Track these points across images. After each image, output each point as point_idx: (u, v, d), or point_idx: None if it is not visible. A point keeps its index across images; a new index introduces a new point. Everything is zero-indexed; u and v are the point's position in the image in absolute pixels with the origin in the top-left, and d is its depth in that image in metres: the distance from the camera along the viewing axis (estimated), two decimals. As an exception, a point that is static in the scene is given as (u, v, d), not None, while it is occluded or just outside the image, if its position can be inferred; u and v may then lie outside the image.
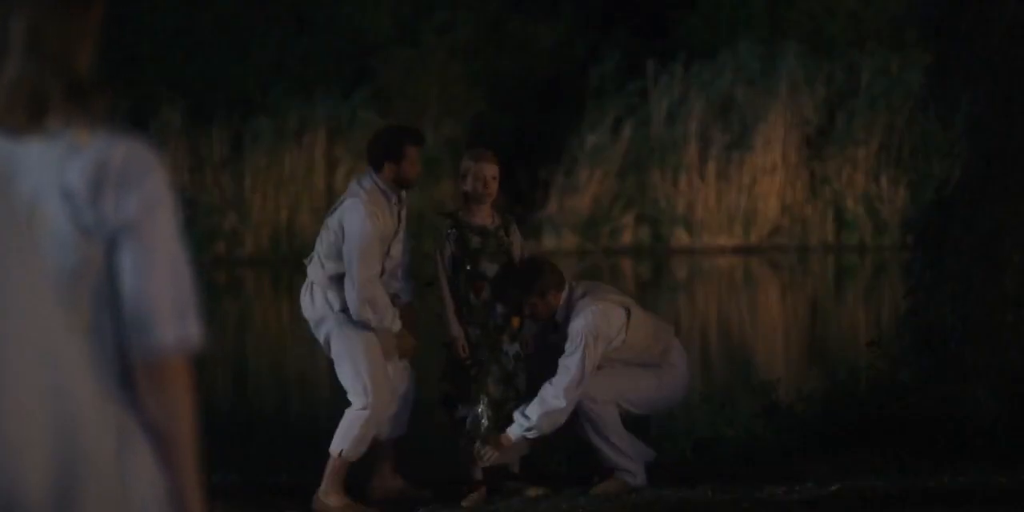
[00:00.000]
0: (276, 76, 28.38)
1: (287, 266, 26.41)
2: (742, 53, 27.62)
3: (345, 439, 6.34)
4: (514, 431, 6.35)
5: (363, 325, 6.27)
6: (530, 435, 6.35)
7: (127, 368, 1.95)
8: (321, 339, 6.41)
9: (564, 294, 6.45)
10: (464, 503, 6.41)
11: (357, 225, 6.16)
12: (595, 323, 6.33)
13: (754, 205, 26.97)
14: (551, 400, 6.29)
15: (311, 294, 6.36)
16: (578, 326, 6.34)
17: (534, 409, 6.30)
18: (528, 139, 28.58)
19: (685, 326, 18.11)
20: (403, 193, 6.41)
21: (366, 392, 6.29)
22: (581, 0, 30.17)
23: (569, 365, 6.30)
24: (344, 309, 6.26)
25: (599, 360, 6.36)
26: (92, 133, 1.95)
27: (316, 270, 6.34)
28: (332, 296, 6.27)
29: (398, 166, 6.30)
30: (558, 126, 28.10)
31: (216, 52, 28.44)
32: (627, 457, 6.49)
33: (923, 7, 7.41)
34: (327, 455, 6.43)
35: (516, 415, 6.34)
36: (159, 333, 1.95)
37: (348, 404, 6.46)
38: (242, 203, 26.95)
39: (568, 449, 7.22)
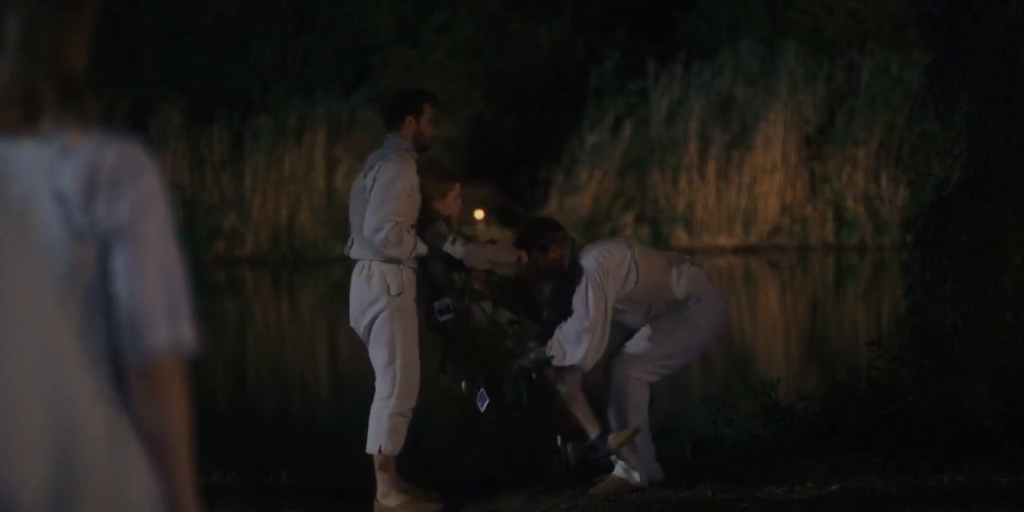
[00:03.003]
0: (276, 76, 28.39)
1: (287, 266, 26.42)
2: (742, 53, 27.62)
3: (379, 434, 6.32)
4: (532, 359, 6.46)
5: (412, 314, 6.32)
6: (545, 360, 6.41)
7: (120, 370, 1.95)
8: (365, 321, 6.35)
9: (567, 250, 6.54)
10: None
11: (389, 175, 6.23)
12: (597, 261, 6.44)
13: (754, 205, 26.99)
14: (566, 330, 6.38)
15: (367, 273, 6.33)
16: (580, 269, 6.46)
17: (552, 343, 6.40)
18: (528, 139, 28.59)
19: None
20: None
21: (394, 381, 6.30)
22: (581, 0, 30.18)
23: (579, 303, 6.41)
24: (400, 293, 6.27)
25: (614, 300, 6.43)
26: (84, 135, 1.94)
27: (366, 249, 6.32)
28: (390, 277, 6.29)
29: (418, 121, 6.38)
30: (558, 126, 28.12)
31: (216, 52, 28.46)
32: (631, 455, 6.49)
33: (923, 6, 7.40)
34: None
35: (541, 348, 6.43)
36: (152, 336, 1.94)
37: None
38: (242, 203, 26.96)
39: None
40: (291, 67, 28.62)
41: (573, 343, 6.39)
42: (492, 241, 6.59)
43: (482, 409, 6.40)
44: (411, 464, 6.59)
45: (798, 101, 27.12)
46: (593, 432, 6.47)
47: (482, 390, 6.39)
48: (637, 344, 6.54)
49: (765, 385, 7.71)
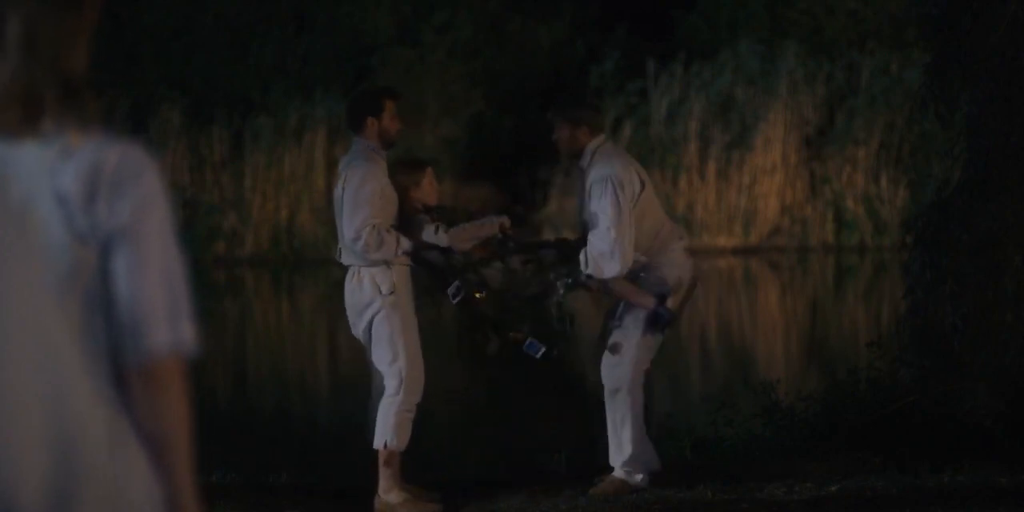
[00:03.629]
0: (276, 76, 28.38)
1: (287, 266, 26.41)
2: (742, 53, 27.62)
3: (386, 430, 6.35)
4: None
5: (409, 311, 6.33)
6: (584, 279, 6.37)
7: (120, 371, 1.95)
8: (363, 324, 6.38)
9: (595, 141, 6.50)
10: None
11: (356, 180, 6.25)
12: (619, 172, 6.40)
13: (754, 205, 26.98)
14: (596, 244, 6.33)
15: (357, 278, 6.38)
16: (603, 172, 6.39)
17: (587, 261, 6.36)
18: (528, 139, 28.57)
19: (685, 327, 18.11)
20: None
21: (401, 377, 6.31)
22: (581, 0, 30.18)
23: (600, 210, 6.34)
24: (392, 292, 6.29)
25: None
26: (86, 135, 1.94)
27: (353, 255, 6.35)
28: (380, 278, 6.31)
29: (379, 121, 6.36)
30: (558, 126, 28.03)
31: (216, 52, 28.44)
32: (630, 458, 6.47)
33: (923, 6, 7.40)
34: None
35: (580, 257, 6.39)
36: (152, 337, 1.94)
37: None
38: (242, 203, 26.95)
39: (568, 449, 7.23)
40: (291, 67, 28.62)
41: (607, 256, 6.33)
42: (469, 217, 6.56)
43: (539, 355, 6.39)
44: (412, 464, 6.59)
45: (798, 101, 27.11)
46: (650, 303, 6.46)
47: (530, 340, 6.39)
48: (619, 346, 6.50)
49: (765, 385, 7.71)
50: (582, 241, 6.53)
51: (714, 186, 27.13)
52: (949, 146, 7.40)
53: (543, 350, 6.38)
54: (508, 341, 6.42)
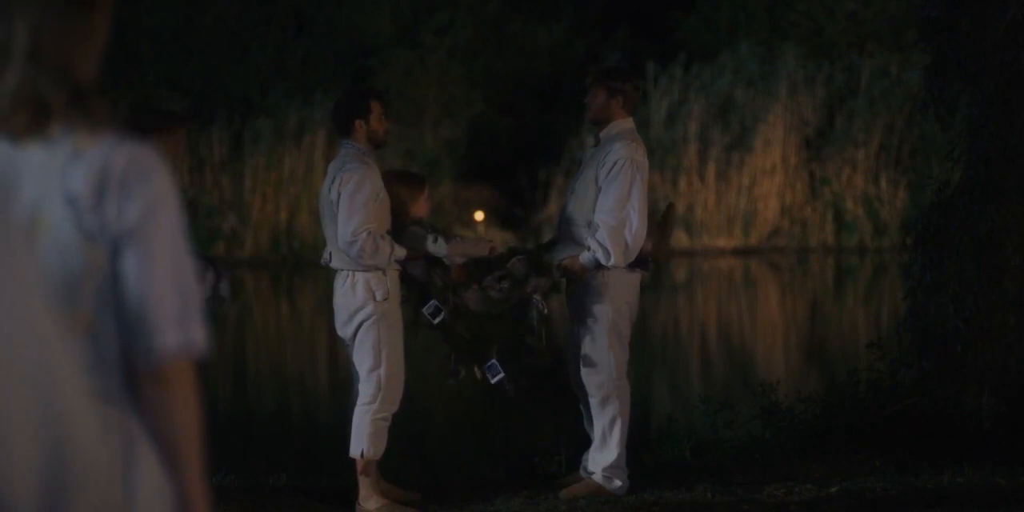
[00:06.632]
0: (276, 77, 28.39)
1: (286, 267, 26.42)
2: (742, 55, 27.63)
3: (361, 439, 6.34)
4: (585, 257, 6.39)
5: (397, 319, 6.32)
6: (600, 256, 6.35)
7: (131, 372, 1.95)
8: (351, 329, 6.37)
9: (627, 121, 6.50)
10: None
11: (352, 184, 6.20)
12: (644, 160, 6.39)
13: (754, 206, 26.99)
14: (607, 221, 6.32)
15: (352, 282, 6.35)
16: (623, 152, 6.36)
17: (599, 234, 6.34)
18: (528, 140, 28.60)
19: (685, 328, 18.11)
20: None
21: (378, 385, 6.29)
22: (581, 1, 30.20)
23: (613, 188, 6.32)
24: (386, 298, 6.27)
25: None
26: (94, 138, 1.94)
27: (346, 259, 6.33)
28: (375, 284, 6.30)
29: (367, 122, 6.34)
30: (558, 127, 28.10)
31: (216, 52, 28.45)
32: (613, 463, 6.46)
33: (923, 8, 7.40)
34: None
35: (590, 242, 6.37)
36: (161, 338, 1.94)
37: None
38: (242, 204, 26.96)
39: (568, 450, 7.23)
40: (291, 69, 28.62)
41: (614, 228, 6.30)
42: (455, 235, 6.56)
43: (493, 381, 6.38)
44: (411, 466, 6.59)
45: (798, 103, 27.13)
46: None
47: (493, 361, 6.37)
48: (590, 347, 6.50)
49: (765, 387, 7.71)
50: (553, 242, 6.55)
51: (714, 187, 27.14)
52: (949, 147, 7.40)
53: (500, 376, 6.37)
54: (470, 371, 6.44)
